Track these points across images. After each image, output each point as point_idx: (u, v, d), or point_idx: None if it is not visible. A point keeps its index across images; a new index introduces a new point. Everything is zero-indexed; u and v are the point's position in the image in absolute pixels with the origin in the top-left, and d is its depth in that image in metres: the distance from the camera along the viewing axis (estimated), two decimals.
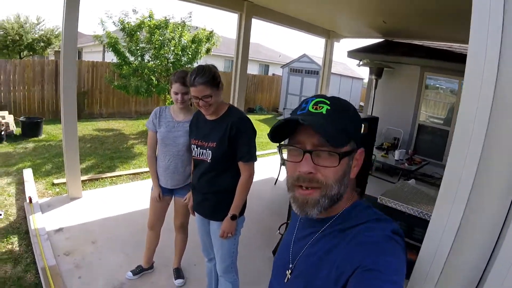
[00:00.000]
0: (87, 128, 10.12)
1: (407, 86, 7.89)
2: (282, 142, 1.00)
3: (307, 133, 0.92)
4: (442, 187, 1.13)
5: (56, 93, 10.55)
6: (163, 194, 2.99)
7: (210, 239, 2.56)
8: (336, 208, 0.99)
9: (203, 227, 2.60)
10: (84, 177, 5.81)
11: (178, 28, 9.38)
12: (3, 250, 3.55)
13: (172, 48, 9.26)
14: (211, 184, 2.37)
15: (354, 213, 0.99)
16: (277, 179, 6.43)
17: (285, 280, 1.05)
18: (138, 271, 3.28)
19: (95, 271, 3.30)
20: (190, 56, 9.48)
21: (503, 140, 0.99)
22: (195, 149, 2.39)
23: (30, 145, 7.95)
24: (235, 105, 6.16)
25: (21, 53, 20.37)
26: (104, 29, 8.97)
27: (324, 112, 0.93)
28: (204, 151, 2.33)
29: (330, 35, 8.42)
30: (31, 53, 20.80)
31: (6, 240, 3.72)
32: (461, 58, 5.25)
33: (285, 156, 0.99)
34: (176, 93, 2.73)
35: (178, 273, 3.30)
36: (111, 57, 10.43)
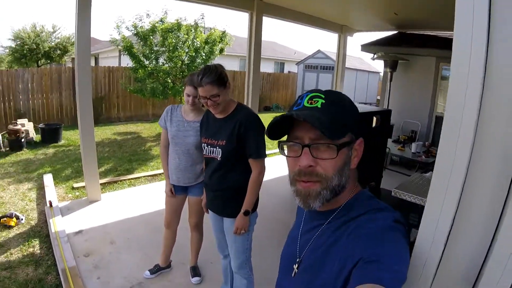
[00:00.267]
0: (105, 133, 10.29)
1: (423, 77, 7.77)
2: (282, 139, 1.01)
3: (304, 128, 0.93)
4: (433, 177, 1.12)
5: (74, 99, 10.66)
6: (177, 193, 3.03)
7: (224, 235, 2.58)
8: (339, 200, 1.00)
9: (217, 224, 2.62)
10: (103, 180, 5.93)
11: (191, 30, 9.44)
12: (25, 253, 3.64)
13: (186, 50, 9.33)
14: (222, 181, 2.39)
15: (357, 204, 1.00)
16: None
17: (292, 275, 1.06)
18: (156, 270, 3.32)
19: (113, 271, 3.36)
20: (204, 57, 9.53)
21: (495, 126, 0.98)
22: (205, 147, 2.41)
23: (50, 151, 8.12)
24: (249, 104, 6.19)
25: (39, 61, 20.84)
26: (119, 33, 9.11)
27: (319, 106, 0.94)
28: (214, 149, 2.35)
29: (343, 29, 8.35)
30: (48, 61, 21.27)
31: (28, 244, 3.82)
32: None
33: (285, 152, 0.99)
34: (188, 95, 2.78)
35: (195, 271, 3.33)
36: (126, 62, 10.58)
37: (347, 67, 9.26)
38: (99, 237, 3.97)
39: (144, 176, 6.48)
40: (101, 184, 5.43)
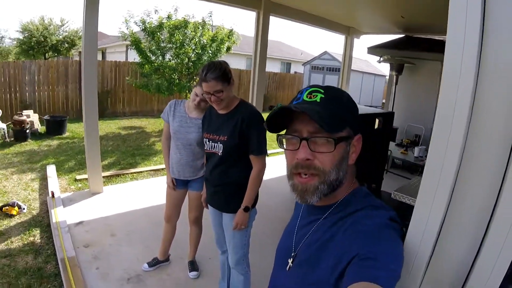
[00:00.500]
0: (110, 127, 10.34)
1: (428, 82, 7.74)
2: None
3: (303, 121, 0.94)
4: (424, 175, 1.13)
5: (80, 92, 10.78)
6: (178, 187, 3.05)
7: (223, 231, 2.60)
8: (336, 195, 1.00)
9: (216, 219, 2.64)
10: (106, 173, 5.97)
11: (199, 27, 9.46)
12: (25, 242, 3.67)
13: (193, 47, 9.34)
14: (223, 176, 2.41)
15: (354, 200, 1.00)
16: None
17: (287, 269, 1.07)
18: (154, 263, 3.34)
19: (112, 263, 3.38)
20: (210, 55, 9.54)
21: (487, 124, 0.98)
22: (207, 142, 2.43)
23: (54, 142, 8.18)
24: (254, 102, 6.19)
25: (46, 54, 20.90)
26: (127, 28, 9.14)
27: (318, 100, 0.96)
28: (215, 144, 2.37)
29: (349, 31, 8.34)
30: (55, 54, 21.32)
31: (29, 233, 3.85)
32: None
33: (284, 146, 1.00)
34: (196, 95, 2.79)
35: (193, 265, 3.35)
36: (133, 57, 10.60)
37: (353, 69, 9.24)
38: (99, 228, 4.00)
39: (147, 171, 6.51)
40: (104, 177, 5.47)
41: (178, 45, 9.15)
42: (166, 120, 2.94)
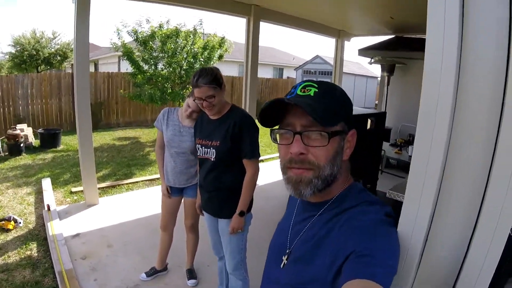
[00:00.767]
0: (104, 138, 10.32)
1: (420, 81, 7.58)
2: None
3: (296, 115, 0.94)
4: (410, 173, 1.13)
5: (73, 104, 10.74)
6: (173, 195, 3.05)
7: (220, 237, 2.59)
8: (331, 191, 1.00)
9: (212, 225, 2.64)
10: (102, 185, 5.95)
11: (190, 36, 9.48)
12: (22, 256, 3.65)
13: (185, 56, 9.35)
14: (216, 182, 2.41)
15: (349, 196, 1.00)
16: None
17: (281, 266, 1.06)
18: (152, 272, 3.33)
19: (110, 274, 3.37)
20: (202, 63, 9.55)
21: (469, 123, 1.00)
22: (199, 148, 2.44)
23: (48, 156, 8.14)
24: (247, 108, 6.20)
25: (39, 67, 20.87)
26: (119, 38, 9.13)
27: (312, 94, 0.95)
28: (208, 150, 2.37)
29: (340, 34, 8.39)
30: (48, 67, 21.30)
31: (25, 247, 3.83)
32: None
33: (278, 140, 1.00)
34: (188, 106, 2.79)
35: (191, 273, 3.34)
36: (126, 67, 10.60)
37: (345, 72, 9.27)
38: (96, 240, 3.99)
39: (142, 181, 6.49)
40: (99, 188, 5.46)
41: (170, 54, 9.15)
42: (160, 129, 2.94)
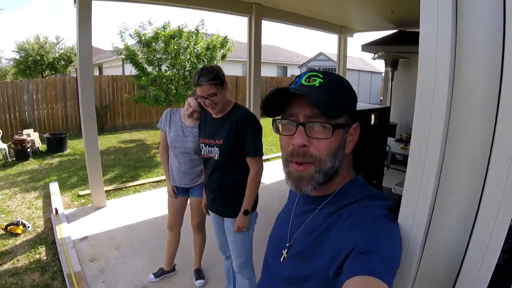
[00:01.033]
0: (110, 141, 10.38)
1: None
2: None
3: (300, 105, 0.91)
4: (408, 166, 1.12)
5: (79, 108, 10.81)
6: (179, 195, 3.06)
7: (226, 236, 2.60)
8: (332, 185, 0.98)
9: (218, 225, 2.64)
10: (109, 187, 5.99)
11: (192, 36, 9.49)
12: (31, 260, 3.68)
13: (188, 57, 9.35)
14: (221, 181, 2.42)
15: (351, 190, 0.99)
16: None
17: (281, 259, 1.05)
18: (160, 273, 3.34)
19: (118, 275, 3.39)
20: (205, 63, 9.54)
21: (466, 118, 0.99)
22: (203, 147, 2.44)
23: (55, 160, 8.20)
24: (251, 108, 6.20)
25: (43, 72, 20.97)
26: (122, 41, 9.16)
27: (317, 85, 0.93)
28: (212, 148, 2.37)
29: (342, 30, 8.36)
30: (53, 72, 21.38)
31: (34, 250, 3.86)
32: None
33: (280, 131, 0.98)
34: (190, 106, 2.80)
35: (199, 274, 3.35)
36: (130, 70, 10.62)
37: (349, 68, 9.26)
38: (104, 242, 4.01)
39: (149, 183, 6.52)
40: (106, 191, 5.49)
41: (173, 55, 9.16)
42: (163, 130, 2.95)
